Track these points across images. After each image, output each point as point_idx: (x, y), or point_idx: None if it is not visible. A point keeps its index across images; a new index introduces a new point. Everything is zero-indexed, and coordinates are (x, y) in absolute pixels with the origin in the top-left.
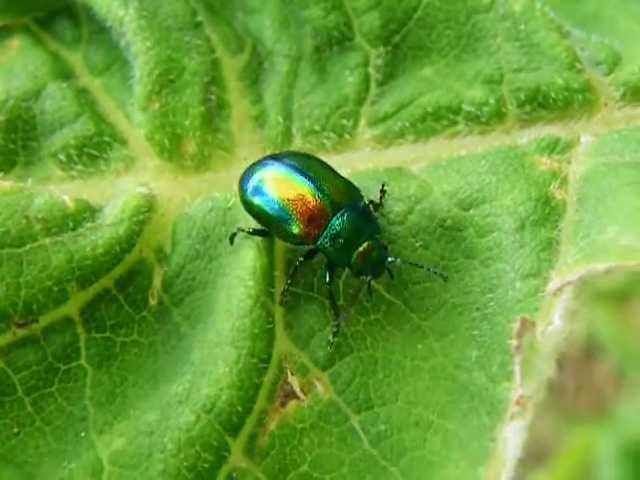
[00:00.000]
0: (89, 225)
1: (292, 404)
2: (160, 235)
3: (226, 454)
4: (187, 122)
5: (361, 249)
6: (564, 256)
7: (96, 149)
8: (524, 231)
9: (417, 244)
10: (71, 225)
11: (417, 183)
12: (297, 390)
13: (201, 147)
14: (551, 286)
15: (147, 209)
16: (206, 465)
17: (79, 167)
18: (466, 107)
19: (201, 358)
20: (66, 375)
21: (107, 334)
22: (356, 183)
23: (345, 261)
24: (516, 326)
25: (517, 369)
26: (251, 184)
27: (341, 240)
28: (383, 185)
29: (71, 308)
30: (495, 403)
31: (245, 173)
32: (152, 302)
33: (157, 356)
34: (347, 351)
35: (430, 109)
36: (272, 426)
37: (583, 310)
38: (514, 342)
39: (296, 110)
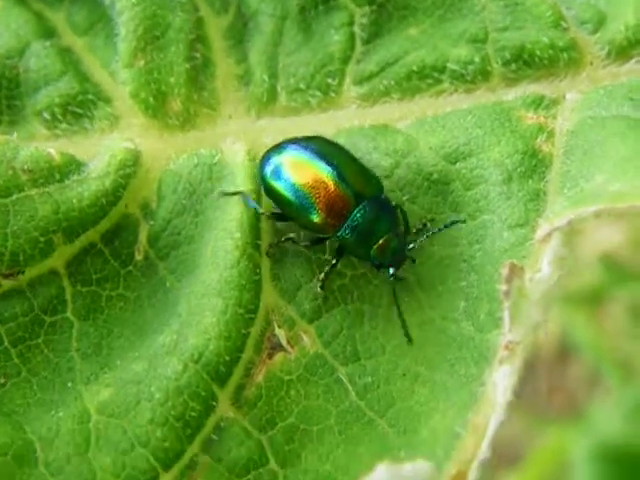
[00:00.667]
0: (75, 178)
1: (279, 356)
2: (146, 191)
3: (214, 403)
4: (172, 79)
5: (381, 242)
6: (552, 206)
7: (80, 107)
8: (511, 183)
9: (404, 198)
10: (57, 177)
11: (403, 138)
12: (284, 342)
13: (186, 105)
14: (539, 232)
15: (133, 163)
16: (194, 414)
17: (64, 125)
18: (451, 66)
19: (188, 309)
20: (52, 327)
21: (93, 288)
22: (342, 140)
23: (364, 254)
24: (504, 271)
25: (506, 314)
26: (271, 167)
27: (362, 233)
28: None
29: (57, 261)
30: (483, 351)
31: (266, 155)
32: (138, 257)
33: (143, 310)
34: (334, 304)
35: (415, 68)
36: (259, 378)
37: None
38: (503, 287)
39: (281, 69)
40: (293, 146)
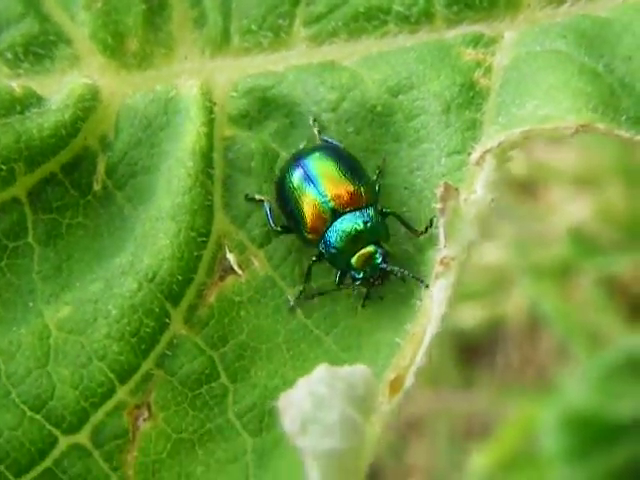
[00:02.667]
0: (36, 110)
1: (230, 279)
2: (104, 125)
3: (167, 321)
4: (129, 21)
5: (357, 256)
6: (487, 133)
7: (42, 48)
8: (450, 113)
9: (349, 130)
10: (18, 109)
11: (349, 73)
12: (235, 266)
13: (143, 45)
14: (473, 156)
15: (91, 97)
16: (148, 330)
17: (25, 65)
18: (396, 7)
19: (143, 233)
20: (14, 252)
21: (53, 215)
22: (291, 77)
23: (343, 266)
24: (439, 191)
25: (441, 231)
26: (276, 180)
27: (336, 247)
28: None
29: (19, 189)
30: (421, 269)
31: (282, 167)
32: (96, 187)
33: (102, 237)
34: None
35: (362, 9)
36: (211, 298)
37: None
38: (438, 205)
39: (234, 10)
40: (294, 160)
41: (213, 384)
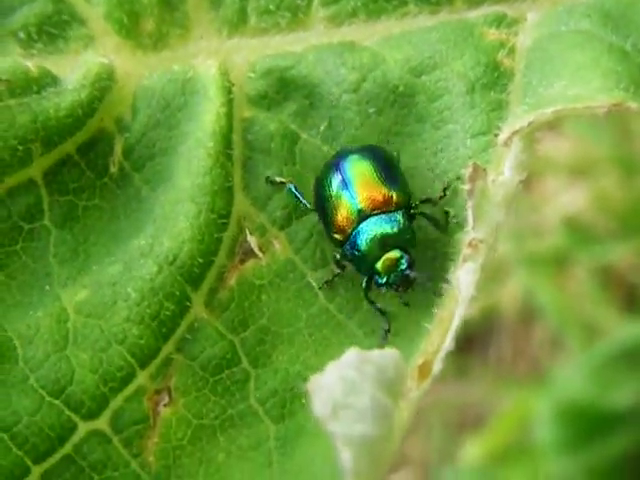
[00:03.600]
0: (52, 90)
1: (251, 262)
2: (120, 106)
3: (188, 304)
4: (145, 0)
5: (382, 261)
6: (513, 114)
7: (55, 28)
8: (474, 93)
9: (370, 110)
10: (35, 89)
11: (370, 53)
12: (255, 249)
13: (159, 25)
14: (501, 136)
15: (107, 77)
16: (168, 313)
17: (39, 45)
18: None
19: (162, 215)
20: (30, 234)
21: (70, 197)
22: (311, 57)
23: (366, 271)
24: (468, 171)
25: (469, 213)
26: (315, 176)
27: (360, 249)
28: (444, 189)
29: (35, 170)
30: (448, 252)
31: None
32: (113, 169)
33: (119, 219)
34: (304, 212)
35: None
36: (232, 281)
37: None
38: (467, 187)
39: None
40: (333, 159)
41: (234, 369)
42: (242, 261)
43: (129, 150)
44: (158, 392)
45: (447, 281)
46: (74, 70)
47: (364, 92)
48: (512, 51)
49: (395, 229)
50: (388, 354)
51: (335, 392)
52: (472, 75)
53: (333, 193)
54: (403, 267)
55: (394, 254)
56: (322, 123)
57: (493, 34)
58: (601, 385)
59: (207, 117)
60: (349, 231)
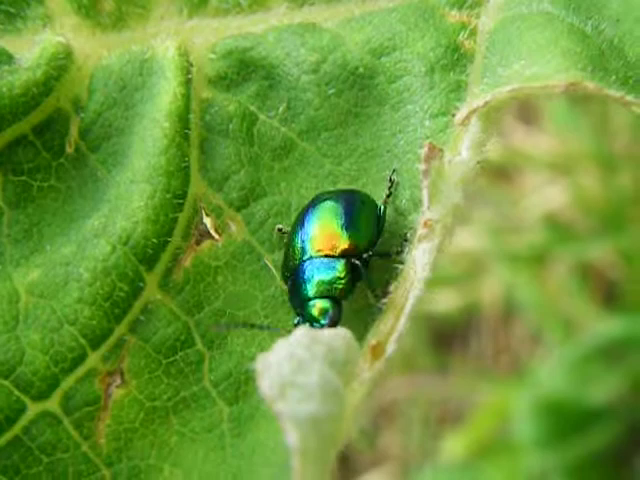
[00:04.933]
0: (6, 68)
1: (207, 243)
2: (77, 87)
3: (141, 285)
4: None
5: (309, 306)
6: (472, 94)
7: (13, 7)
8: (434, 74)
9: (330, 92)
10: None
11: (330, 35)
12: (211, 230)
13: (118, 4)
14: (458, 116)
15: (64, 57)
16: (122, 294)
17: None
18: None
19: (117, 195)
20: None
21: (24, 178)
22: (271, 38)
23: (296, 309)
24: (424, 151)
25: (424, 192)
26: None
27: (295, 287)
28: (390, 177)
29: None
30: (404, 233)
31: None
32: (69, 150)
33: (73, 200)
34: (261, 194)
35: None
36: (187, 263)
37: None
38: (422, 166)
39: None
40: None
41: (188, 351)
42: (198, 242)
43: (85, 130)
44: (110, 374)
45: (402, 262)
46: (31, 49)
47: (324, 73)
48: (473, 34)
49: (330, 276)
50: (340, 334)
51: (283, 371)
52: (432, 56)
53: (293, 230)
54: (323, 322)
55: (323, 304)
56: (281, 104)
57: (454, 16)
58: (579, 381)
59: (164, 97)
60: (293, 267)
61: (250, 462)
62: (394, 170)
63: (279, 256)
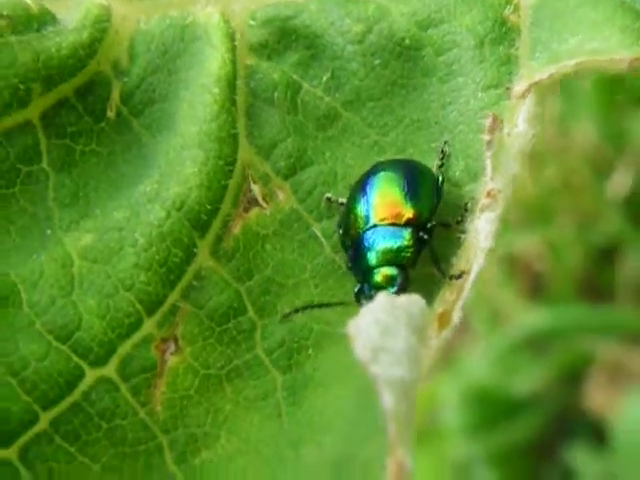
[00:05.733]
0: (52, 29)
1: (254, 211)
2: (116, 50)
3: (195, 251)
4: None
5: (376, 274)
6: (523, 69)
7: None
8: (483, 47)
9: (375, 62)
10: (35, 26)
11: (375, 5)
12: (259, 198)
13: None
14: (517, 89)
15: (107, 19)
16: (177, 260)
17: None
18: None
19: (167, 161)
20: (28, 177)
21: (67, 141)
22: (313, 7)
23: (360, 279)
24: (488, 122)
25: (488, 163)
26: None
27: (359, 256)
28: (442, 149)
29: (33, 112)
30: (460, 204)
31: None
32: (110, 114)
33: (117, 165)
34: (308, 162)
35: None
36: (236, 230)
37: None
38: (486, 137)
39: None
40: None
41: (240, 319)
42: (246, 210)
43: (128, 95)
44: (165, 340)
45: (463, 231)
46: (70, 11)
47: (369, 44)
48: (517, 9)
49: (397, 245)
50: (414, 300)
51: (372, 335)
52: (481, 29)
53: (353, 198)
54: (392, 290)
55: (390, 271)
56: (324, 74)
57: None
58: (506, 371)
59: (212, 63)
60: (355, 236)
61: (311, 430)
62: (445, 142)
63: (328, 225)
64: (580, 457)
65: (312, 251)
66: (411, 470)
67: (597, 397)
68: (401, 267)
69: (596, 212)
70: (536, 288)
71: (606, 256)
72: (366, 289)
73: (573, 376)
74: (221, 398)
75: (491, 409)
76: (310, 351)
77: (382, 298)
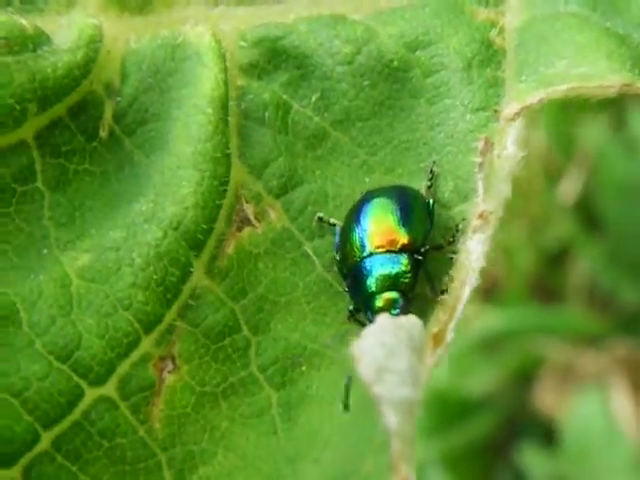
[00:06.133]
0: (47, 49)
1: (247, 230)
2: (108, 69)
3: (191, 270)
4: None
5: (377, 299)
6: (510, 92)
7: None
8: (471, 70)
9: (364, 83)
10: (31, 47)
11: (363, 27)
12: (251, 217)
13: None
14: (507, 111)
15: (100, 40)
16: (173, 279)
17: (16, 4)
18: None
19: (163, 181)
20: (23, 197)
21: (61, 160)
22: (303, 27)
23: (362, 305)
24: (481, 144)
25: (480, 185)
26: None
27: (358, 284)
28: (431, 169)
29: (27, 132)
30: (450, 226)
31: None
32: (102, 133)
33: (110, 184)
34: (299, 182)
35: None
36: (230, 249)
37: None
38: (478, 159)
39: None
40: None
41: (235, 336)
42: (239, 229)
43: (120, 114)
44: (162, 359)
45: (454, 252)
46: (60, 30)
47: (358, 65)
48: (502, 31)
49: (395, 271)
50: (414, 321)
51: (377, 356)
52: (468, 51)
53: (348, 227)
54: (394, 312)
55: (391, 295)
56: (314, 94)
57: (482, 13)
58: (460, 372)
59: (205, 84)
60: (353, 264)
61: (307, 446)
62: (434, 162)
63: (319, 243)
64: (530, 457)
65: (304, 269)
66: None
67: (547, 398)
68: (401, 292)
69: (547, 216)
70: (490, 290)
71: (557, 259)
72: (369, 315)
73: (525, 377)
74: (217, 415)
75: (446, 411)
76: (304, 368)
77: (385, 320)
